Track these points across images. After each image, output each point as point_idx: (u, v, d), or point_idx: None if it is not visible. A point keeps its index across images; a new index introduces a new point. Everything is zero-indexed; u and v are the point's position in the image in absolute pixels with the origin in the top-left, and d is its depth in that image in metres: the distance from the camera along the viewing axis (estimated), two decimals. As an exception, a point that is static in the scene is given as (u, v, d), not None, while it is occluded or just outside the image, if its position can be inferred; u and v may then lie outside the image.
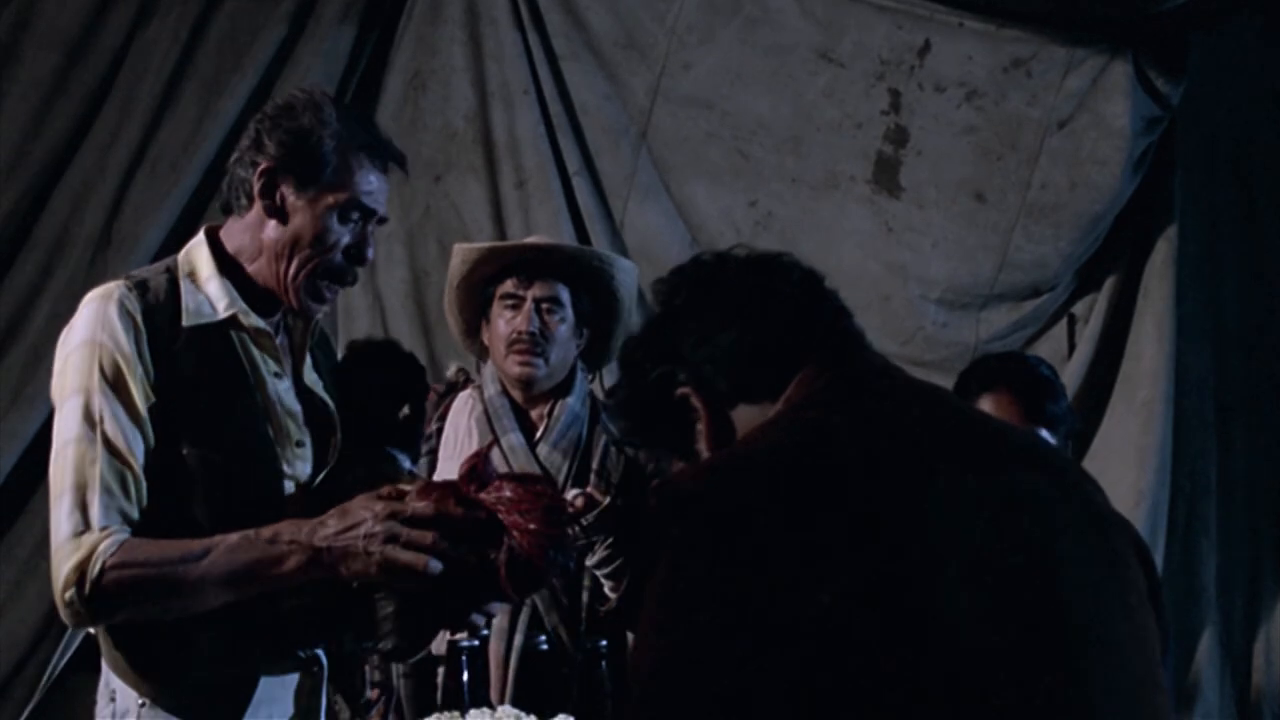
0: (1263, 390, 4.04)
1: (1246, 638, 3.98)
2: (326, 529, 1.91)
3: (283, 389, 2.15)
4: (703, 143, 3.98)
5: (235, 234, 2.15)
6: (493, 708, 2.34)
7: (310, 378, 2.24)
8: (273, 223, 2.11)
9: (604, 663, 2.52)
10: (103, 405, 1.96)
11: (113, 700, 2.04)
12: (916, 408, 1.31)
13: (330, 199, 2.09)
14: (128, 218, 3.93)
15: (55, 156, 3.97)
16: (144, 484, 1.97)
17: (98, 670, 2.09)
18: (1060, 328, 4.00)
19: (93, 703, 2.10)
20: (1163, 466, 3.81)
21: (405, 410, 2.29)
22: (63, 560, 1.91)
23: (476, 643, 2.41)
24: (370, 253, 2.16)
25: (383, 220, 2.18)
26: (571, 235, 3.92)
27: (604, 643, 2.54)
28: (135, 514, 1.95)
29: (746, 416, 1.41)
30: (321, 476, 2.17)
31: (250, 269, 2.13)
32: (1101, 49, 3.78)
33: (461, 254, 2.89)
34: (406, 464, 2.18)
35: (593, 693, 2.53)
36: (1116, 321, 3.93)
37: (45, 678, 3.81)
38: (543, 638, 2.59)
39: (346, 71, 4.09)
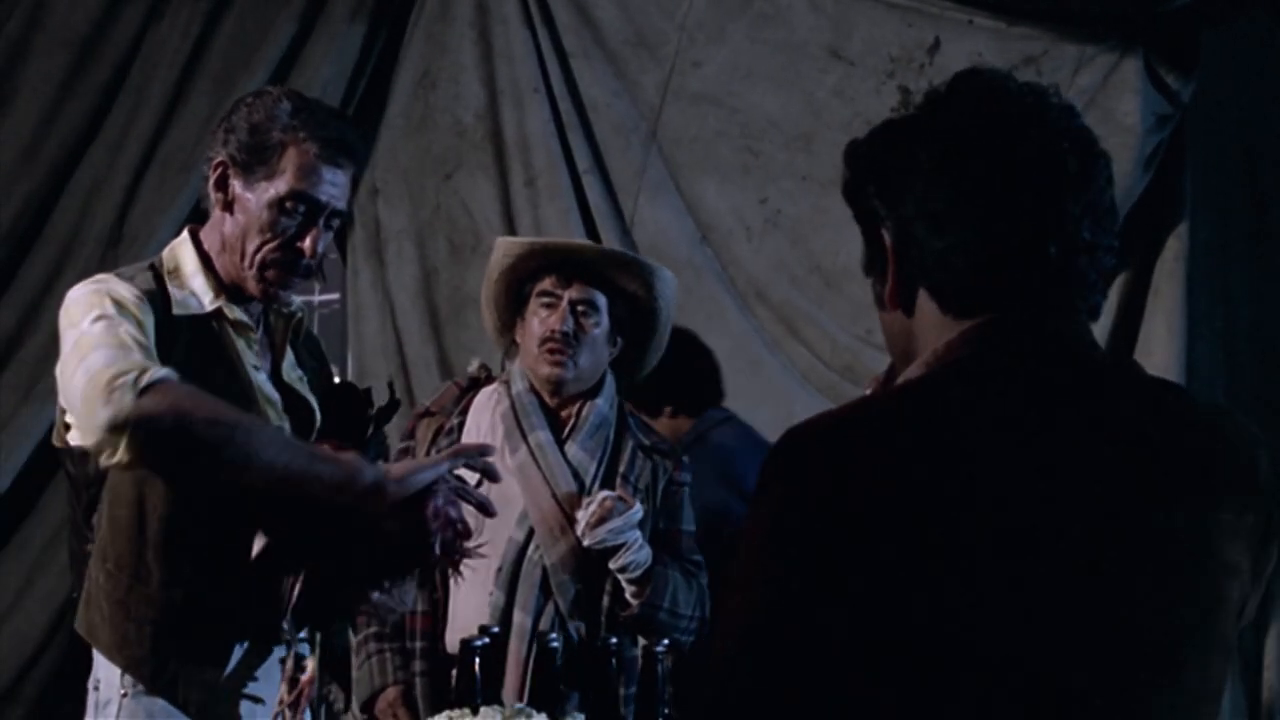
0: (1274, 389, 4.03)
1: (1258, 636, 3.97)
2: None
3: (261, 380, 2.18)
4: (713, 140, 3.98)
5: (208, 232, 2.20)
6: (504, 705, 2.34)
7: (292, 374, 2.27)
8: (228, 216, 2.14)
9: (614, 660, 2.52)
10: (113, 315, 1.96)
11: (96, 690, 2.08)
12: (1065, 418, 1.22)
13: (272, 191, 2.12)
14: (138, 216, 3.94)
15: (66, 154, 3.98)
16: None
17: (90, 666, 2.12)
18: (1071, 325, 3.98)
19: (97, 701, 2.13)
20: (1174, 464, 3.80)
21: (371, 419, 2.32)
22: (103, 374, 1.83)
23: (488, 640, 2.42)
24: (320, 246, 2.17)
25: (340, 215, 2.19)
26: (581, 233, 3.92)
27: (614, 640, 2.54)
28: None
29: (927, 309, 1.30)
30: None
31: (219, 265, 2.17)
32: (1112, 46, 3.77)
33: (504, 248, 2.86)
34: None
35: (603, 689, 2.52)
36: (1127, 320, 3.92)
37: (54, 677, 3.82)
38: (553, 635, 2.59)
39: (356, 69, 4.09)
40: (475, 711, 2.27)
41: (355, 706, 2.81)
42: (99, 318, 1.95)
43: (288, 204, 2.11)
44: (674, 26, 3.99)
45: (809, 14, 3.91)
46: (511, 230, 4.00)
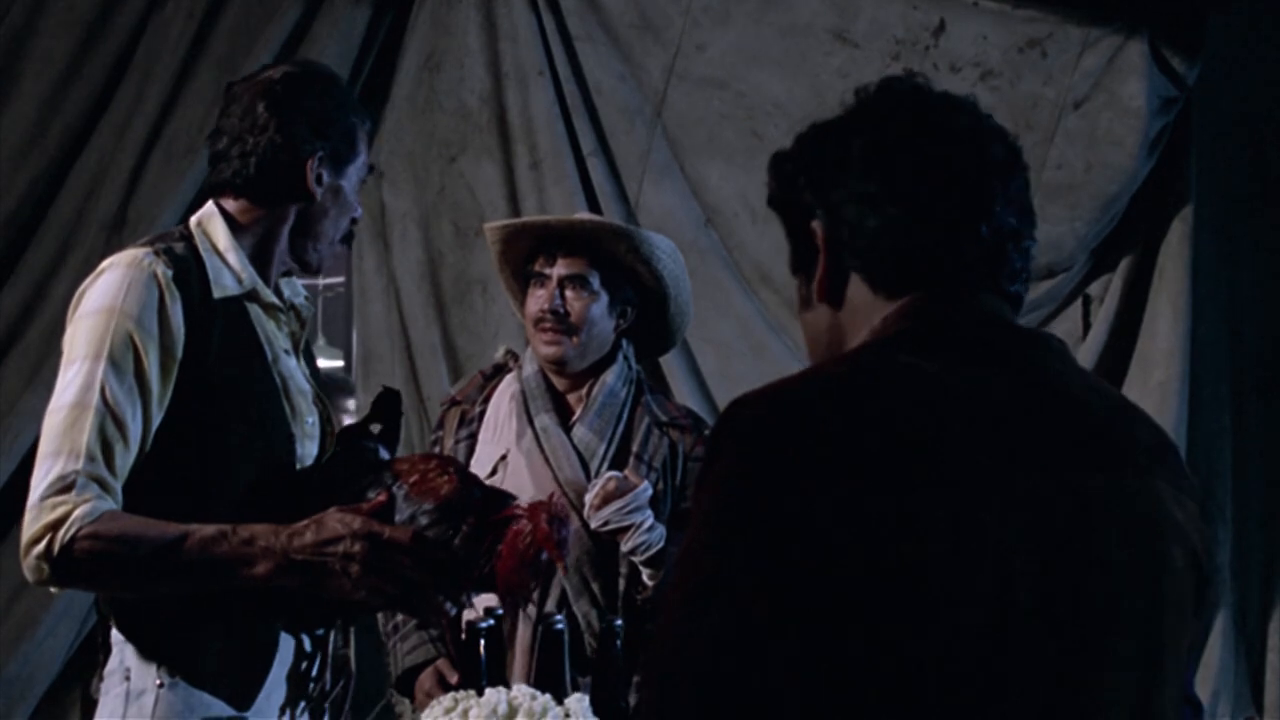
0: (1278, 369, 4.03)
1: (1261, 619, 3.99)
2: (303, 539, 1.91)
3: (293, 366, 2.16)
4: (717, 123, 3.98)
5: (245, 208, 2.13)
6: (509, 687, 2.35)
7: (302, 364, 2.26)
8: (313, 205, 2.13)
9: (618, 641, 2.51)
10: (107, 373, 1.92)
11: (126, 679, 2.01)
12: (1008, 381, 1.24)
13: (357, 174, 2.18)
14: (143, 199, 3.94)
15: (71, 138, 3.98)
16: (132, 458, 1.94)
17: (108, 653, 2.06)
18: (1075, 308, 3.99)
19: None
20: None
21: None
22: (35, 519, 1.89)
23: (493, 622, 2.41)
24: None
25: None
26: (586, 216, 3.93)
27: (619, 621, 2.53)
28: (118, 488, 1.93)
29: (859, 295, 1.33)
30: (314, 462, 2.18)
31: (258, 244, 2.13)
32: (1117, 29, 3.77)
33: (490, 234, 2.86)
34: (384, 454, 2.16)
35: (607, 671, 2.52)
36: (1132, 302, 3.93)
37: (61, 662, 3.83)
38: (558, 617, 2.57)
39: (361, 52, 4.08)
40: (481, 693, 2.27)
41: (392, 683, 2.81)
42: (83, 387, 1.93)
43: (365, 178, 2.22)
44: (679, 10, 3.98)
45: (814, -3, 3.91)
46: (517, 213, 4.00)
